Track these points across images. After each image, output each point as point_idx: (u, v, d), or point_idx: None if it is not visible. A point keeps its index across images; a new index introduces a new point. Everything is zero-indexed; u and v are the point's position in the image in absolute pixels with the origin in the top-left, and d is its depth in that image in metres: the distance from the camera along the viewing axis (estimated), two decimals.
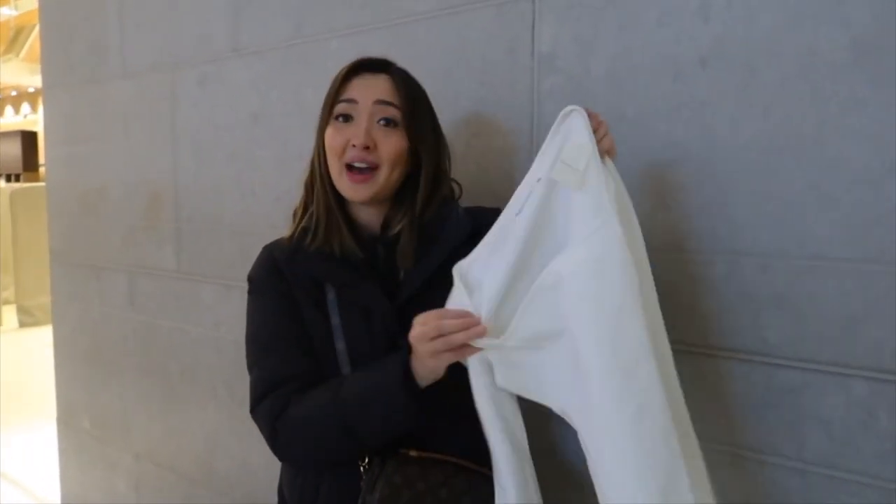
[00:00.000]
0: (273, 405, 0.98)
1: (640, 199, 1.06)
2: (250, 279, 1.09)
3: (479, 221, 1.02)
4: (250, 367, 1.05)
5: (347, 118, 1.00)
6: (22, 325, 6.35)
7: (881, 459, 0.90)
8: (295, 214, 1.09)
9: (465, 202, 1.25)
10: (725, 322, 1.00)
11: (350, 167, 0.99)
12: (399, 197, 1.03)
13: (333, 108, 1.00)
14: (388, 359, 0.93)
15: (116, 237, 2.10)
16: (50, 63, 2.33)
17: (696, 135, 1.00)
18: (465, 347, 0.86)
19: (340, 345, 1.02)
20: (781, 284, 0.95)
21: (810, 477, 0.95)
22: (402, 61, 1.33)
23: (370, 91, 0.99)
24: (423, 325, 0.87)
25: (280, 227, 1.59)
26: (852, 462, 0.92)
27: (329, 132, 1.01)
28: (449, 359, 0.87)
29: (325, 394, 0.96)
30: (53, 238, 2.41)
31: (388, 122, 0.99)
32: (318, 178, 1.04)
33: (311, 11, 1.50)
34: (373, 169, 0.99)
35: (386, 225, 1.04)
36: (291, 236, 1.05)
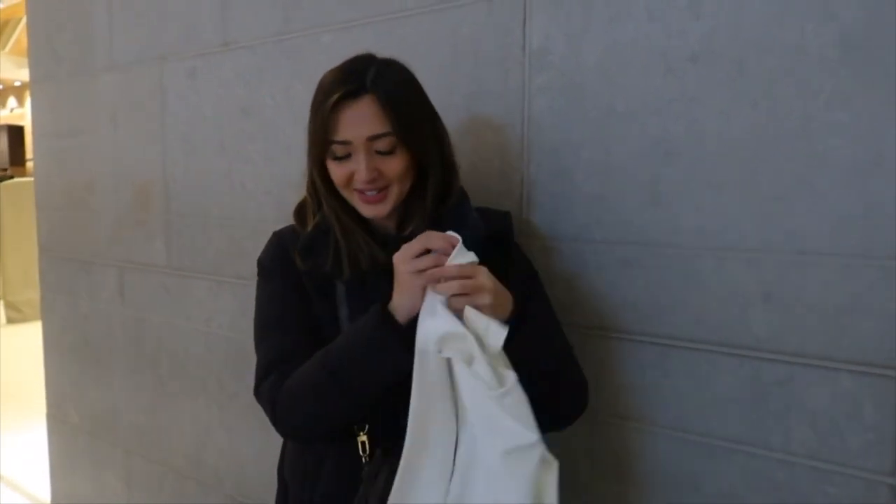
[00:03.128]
0: (273, 383, 0.99)
1: (630, 193, 1.07)
2: (260, 263, 1.10)
3: (493, 226, 1.03)
4: (256, 350, 1.06)
5: (345, 155, 0.98)
6: (9, 321, 6.29)
7: (866, 451, 0.91)
8: (298, 213, 1.08)
9: None
10: (713, 316, 1.01)
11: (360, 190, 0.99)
12: (410, 197, 1.03)
13: (326, 147, 0.98)
14: (367, 316, 0.93)
15: (105, 231, 2.09)
16: (37, 56, 2.31)
17: (686, 129, 1.01)
18: (443, 269, 0.88)
19: None
20: (769, 279, 0.96)
21: (796, 468, 0.96)
22: (393, 56, 1.33)
23: (360, 127, 0.95)
24: (408, 245, 0.90)
25: (270, 221, 1.59)
26: (838, 454, 0.93)
27: (330, 166, 1.00)
28: (428, 279, 0.88)
29: (316, 356, 0.96)
30: (41, 232, 2.39)
31: (386, 151, 0.97)
32: (323, 194, 1.03)
33: (300, 5, 1.50)
34: (384, 188, 0.99)
35: (401, 224, 1.04)
36: (305, 229, 1.05)
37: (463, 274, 0.88)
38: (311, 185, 1.04)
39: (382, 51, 1.34)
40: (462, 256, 0.89)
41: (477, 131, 1.23)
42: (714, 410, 1.02)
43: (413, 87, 1.03)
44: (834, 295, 0.91)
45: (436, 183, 1.01)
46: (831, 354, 0.92)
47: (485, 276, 0.89)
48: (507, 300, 0.91)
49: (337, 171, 0.98)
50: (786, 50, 0.93)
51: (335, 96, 0.95)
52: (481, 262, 0.91)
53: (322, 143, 0.97)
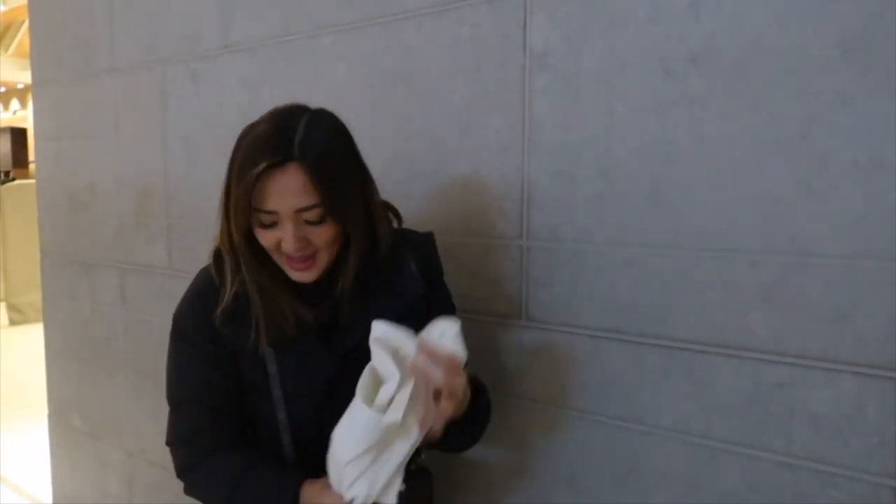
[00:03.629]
0: (183, 457, 1.09)
1: (631, 195, 1.07)
2: (177, 325, 1.07)
3: (422, 261, 1.05)
4: (168, 402, 1.11)
5: (271, 223, 0.94)
6: (12, 322, 6.31)
7: (869, 453, 0.91)
8: (217, 263, 1.04)
9: (458, 200, 1.26)
10: (714, 317, 1.01)
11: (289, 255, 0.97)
12: (340, 255, 1.01)
13: (252, 214, 0.93)
14: (282, 483, 0.99)
15: (107, 234, 2.09)
16: (39, 59, 2.32)
17: (687, 131, 1.01)
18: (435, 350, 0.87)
19: (277, 391, 1.03)
20: (770, 280, 0.96)
21: (799, 471, 0.96)
22: (394, 58, 1.33)
23: (287, 199, 0.91)
24: None
25: None
26: (840, 456, 0.93)
27: (257, 232, 0.96)
28: None
29: (228, 479, 1.02)
30: (43, 235, 2.40)
31: (315, 221, 0.94)
32: (245, 260, 0.98)
33: (301, 7, 1.50)
34: (313, 254, 0.97)
35: (331, 281, 1.01)
36: (224, 284, 1.02)
37: (452, 368, 0.84)
38: (229, 245, 0.98)
39: (384, 52, 1.35)
40: (451, 341, 0.87)
41: (477, 133, 1.23)
42: (715, 412, 1.02)
43: (343, 147, 0.98)
44: (836, 296, 0.91)
45: (359, 248, 0.99)
46: (833, 356, 0.92)
47: (462, 384, 0.86)
48: (455, 411, 0.90)
49: (264, 237, 0.95)
50: (786, 51, 0.92)
51: (261, 166, 0.89)
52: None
53: (247, 210, 0.92)
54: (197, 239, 1.79)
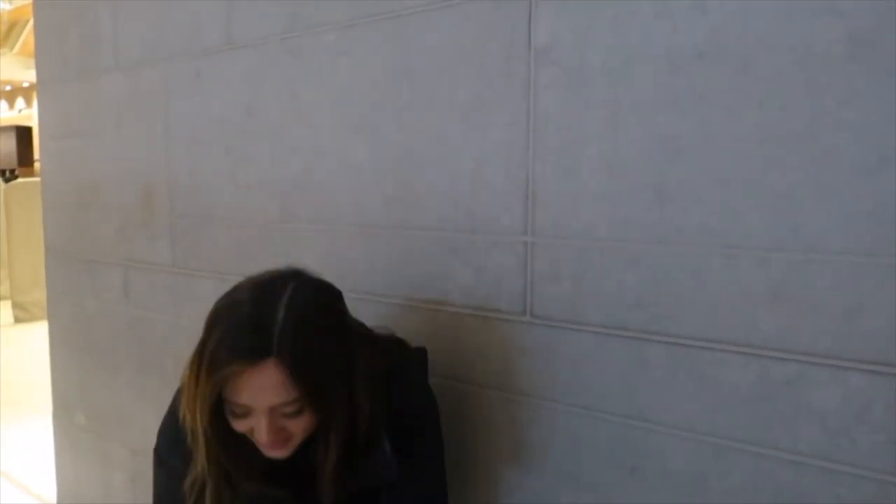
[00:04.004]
0: None
1: (636, 191, 1.06)
2: (157, 455, 1.11)
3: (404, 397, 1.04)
4: None
5: (244, 413, 0.90)
6: (17, 320, 6.33)
7: (876, 451, 0.90)
8: (181, 423, 0.97)
9: (462, 196, 1.25)
10: (721, 315, 1.00)
11: None
12: (316, 433, 0.97)
13: (221, 403, 0.90)
14: None
15: (111, 231, 2.10)
16: (44, 57, 2.32)
17: (693, 127, 1.00)
18: None
19: None
20: (777, 277, 0.95)
21: (805, 469, 0.95)
22: (397, 54, 1.33)
23: (262, 396, 0.87)
24: None
25: (275, 221, 1.59)
26: (847, 454, 0.92)
27: (229, 417, 0.92)
28: None
29: None
30: (48, 233, 2.40)
31: (292, 413, 0.90)
32: (208, 443, 0.93)
33: (305, 3, 1.49)
34: (289, 438, 0.94)
35: (305, 453, 0.99)
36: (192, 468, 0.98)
37: None
38: (191, 432, 0.94)
39: (387, 48, 1.34)
40: None
41: (482, 129, 1.22)
42: (721, 410, 1.01)
43: (326, 330, 0.94)
44: (843, 293, 0.90)
45: (340, 436, 0.94)
46: (841, 353, 0.91)
47: None
48: None
49: (236, 424, 0.92)
50: (793, 47, 0.92)
51: (235, 364, 0.86)
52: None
53: (216, 401, 0.89)
54: (200, 237, 1.79)
